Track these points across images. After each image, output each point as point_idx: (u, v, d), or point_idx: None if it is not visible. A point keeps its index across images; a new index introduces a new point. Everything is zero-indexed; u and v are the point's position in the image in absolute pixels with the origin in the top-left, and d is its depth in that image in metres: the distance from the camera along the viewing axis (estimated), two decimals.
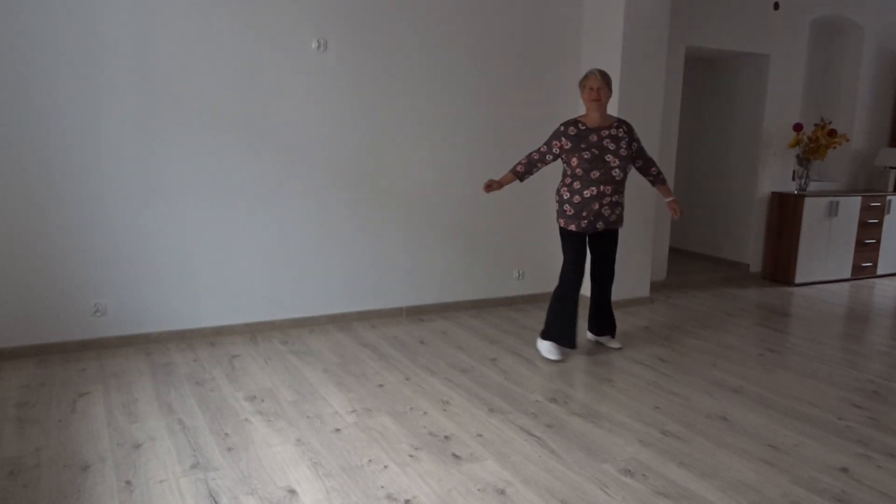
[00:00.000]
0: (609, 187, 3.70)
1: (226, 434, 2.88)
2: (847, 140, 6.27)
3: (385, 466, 2.64)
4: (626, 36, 4.78)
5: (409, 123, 4.59)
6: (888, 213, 6.50)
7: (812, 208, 6.04)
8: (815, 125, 6.20)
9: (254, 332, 4.31)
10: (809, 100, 6.69)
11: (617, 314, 4.99)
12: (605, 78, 3.69)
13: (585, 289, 4.66)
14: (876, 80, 6.72)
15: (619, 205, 3.79)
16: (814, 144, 6.06)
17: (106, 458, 2.66)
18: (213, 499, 2.39)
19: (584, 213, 3.74)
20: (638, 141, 3.84)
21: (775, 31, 6.05)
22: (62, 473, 2.54)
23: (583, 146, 3.68)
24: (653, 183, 4.00)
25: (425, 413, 3.15)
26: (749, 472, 2.66)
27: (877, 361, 4.05)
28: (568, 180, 3.77)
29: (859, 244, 6.40)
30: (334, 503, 2.38)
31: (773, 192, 6.31)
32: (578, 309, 3.93)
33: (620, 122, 3.79)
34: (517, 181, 3.98)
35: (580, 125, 3.74)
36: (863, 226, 6.37)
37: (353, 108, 4.39)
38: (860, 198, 6.30)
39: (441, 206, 4.80)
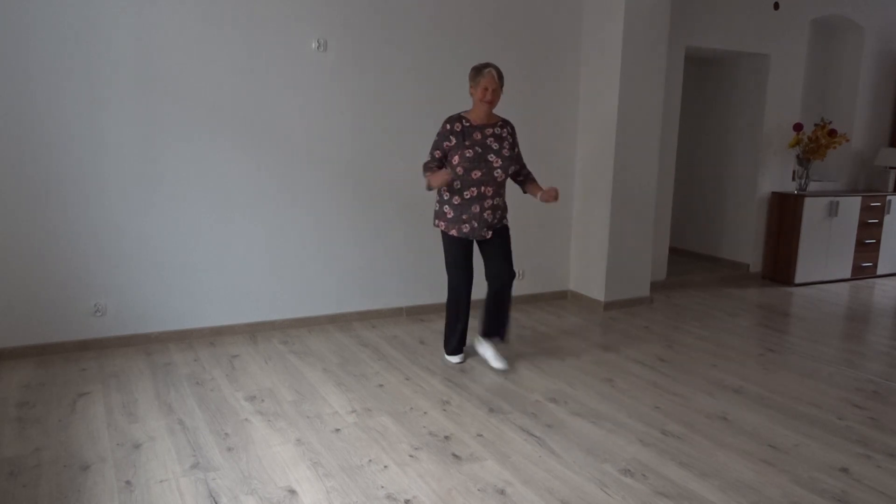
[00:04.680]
0: (490, 188, 3.53)
1: (226, 434, 2.88)
2: (847, 140, 6.27)
3: (385, 466, 2.64)
4: (626, 36, 4.78)
5: (410, 123, 4.59)
6: (888, 213, 6.50)
7: (812, 208, 6.04)
8: (815, 125, 6.20)
9: (254, 332, 4.31)
10: (809, 100, 6.69)
11: (617, 314, 4.99)
12: (500, 77, 3.52)
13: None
14: (876, 80, 6.72)
15: (499, 208, 3.62)
16: (814, 144, 6.07)
17: (106, 458, 2.66)
18: (213, 499, 2.39)
19: (464, 217, 3.54)
20: (518, 146, 3.68)
21: (775, 31, 6.05)
22: (62, 473, 2.54)
23: (466, 143, 3.49)
24: (523, 184, 3.75)
25: (425, 413, 3.15)
26: (749, 472, 2.66)
27: (877, 361, 4.05)
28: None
29: (859, 244, 6.40)
30: (334, 503, 2.38)
31: (773, 192, 6.31)
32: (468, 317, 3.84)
33: (505, 122, 3.63)
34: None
35: (465, 121, 3.55)
36: (863, 226, 6.37)
37: (352, 108, 4.39)
38: (860, 198, 6.30)
39: None
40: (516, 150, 3.64)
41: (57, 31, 3.58)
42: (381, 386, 3.48)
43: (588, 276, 5.24)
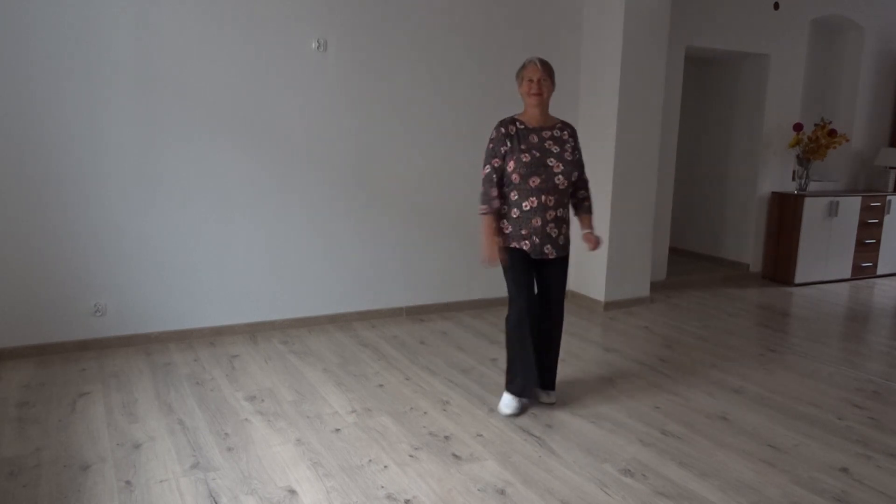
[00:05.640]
0: (552, 198, 3.05)
1: (226, 434, 2.88)
2: (847, 140, 6.27)
3: (385, 466, 2.64)
4: (626, 36, 4.78)
5: (409, 124, 4.59)
6: (888, 213, 6.50)
7: (812, 208, 6.04)
8: (815, 125, 6.20)
9: (254, 332, 4.31)
10: (809, 100, 6.69)
11: (617, 314, 4.99)
12: (546, 69, 3.10)
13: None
14: (876, 80, 6.72)
15: (564, 222, 3.15)
16: (814, 144, 6.06)
17: (106, 458, 2.66)
18: (213, 499, 2.39)
19: (523, 232, 3.06)
20: (580, 151, 3.21)
21: (775, 31, 6.05)
22: (62, 473, 2.54)
23: (522, 147, 3.06)
24: (576, 208, 3.28)
25: (425, 413, 3.15)
26: (749, 472, 2.66)
27: (877, 361, 4.05)
28: (504, 191, 3.12)
29: (859, 244, 6.40)
30: (334, 503, 2.38)
31: (773, 192, 6.31)
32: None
33: (565, 125, 3.21)
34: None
35: (518, 123, 3.14)
36: (863, 226, 6.37)
37: (352, 108, 4.39)
38: (860, 198, 6.30)
39: (441, 205, 4.80)
40: (577, 155, 3.18)
41: (57, 32, 3.58)
42: (381, 386, 3.47)
43: (588, 276, 5.24)
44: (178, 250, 4.04)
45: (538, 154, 3.06)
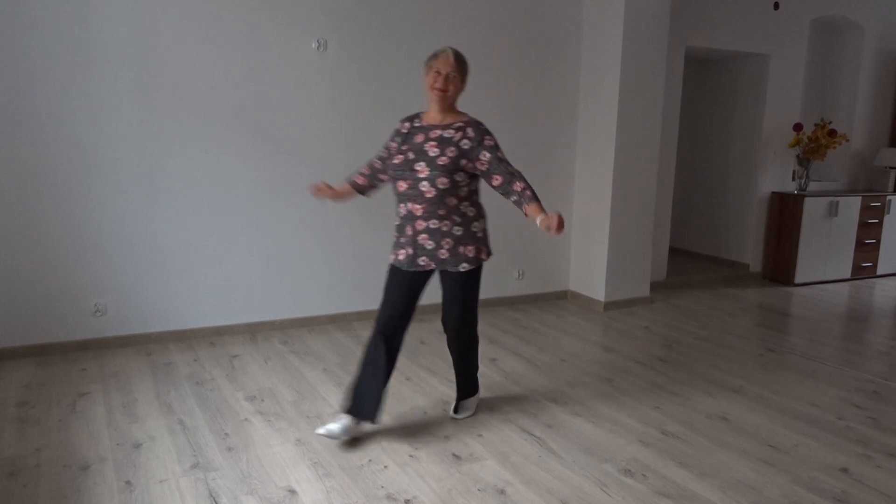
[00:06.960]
0: (419, 207, 2.69)
1: (226, 434, 2.89)
2: (847, 140, 6.27)
3: (385, 466, 2.64)
4: (626, 36, 4.78)
5: None
6: (888, 213, 6.50)
7: (812, 208, 6.04)
8: (815, 125, 6.20)
9: (254, 332, 4.31)
10: (809, 100, 6.69)
11: (617, 314, 4.99)
12: (459, 63, 2.75)
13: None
14: (876, 80, 6.72)
15: (447, 235, 2.73)
16: (814, 144, 6.07)
17: (106, 458, 2.66)
18: (213, 499, 2.39)
19: (401, 240, 2.81)
20: (493, 150, 2.71)
21: (775, 31, 6.05)
22: (62, 473, 2.54)
23: (403, 147, 2.76)
24: (519, 204, 2.71)
25: (425, 413, 3.15)
26: (749, 472, 2.66)
27: (877, 361, 4.05)
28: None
29: (859, 244, 6.40)
30: (334, 503, 2.38)
31: (773, 192, 6.31)
32: (389, 375, 2.84)
33: (468, 124, 2.74)
34: (359, 195, 3.10)
35: (415, 121, 2.82)
36: (863, 226, 6.37)
37: (352, 108, 4.39)
38: (860, 198, 6.30)
39: None
40: (486, 156, 2.70)
41: (57, 32, 3.58)
42: None
43: (588, 276, 5.24)
44: (178, 250, 4.04)
45: (412, 156, 2.71)
